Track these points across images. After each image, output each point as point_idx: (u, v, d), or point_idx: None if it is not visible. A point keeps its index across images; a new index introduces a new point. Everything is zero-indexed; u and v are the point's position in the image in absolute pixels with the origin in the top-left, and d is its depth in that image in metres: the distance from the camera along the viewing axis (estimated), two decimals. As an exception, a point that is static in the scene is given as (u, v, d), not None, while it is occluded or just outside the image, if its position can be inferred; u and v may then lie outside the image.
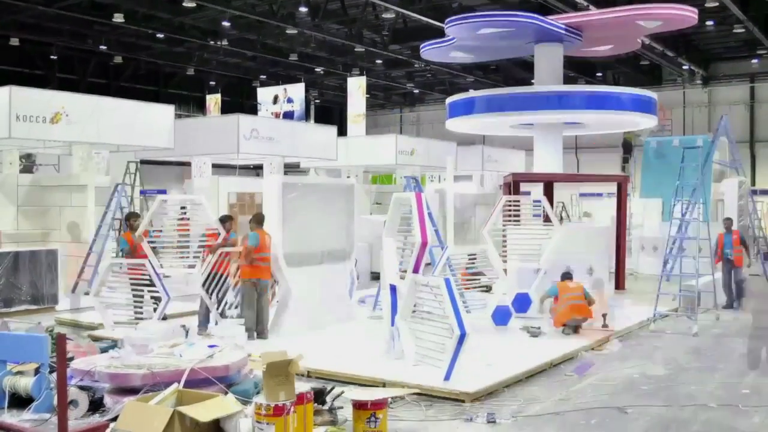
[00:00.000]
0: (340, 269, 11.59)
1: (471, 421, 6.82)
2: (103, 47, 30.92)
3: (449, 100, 16.63)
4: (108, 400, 6.99)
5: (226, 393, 6.72)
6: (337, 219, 11.60)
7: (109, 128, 15.53)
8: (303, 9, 25.13)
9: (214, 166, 20.42)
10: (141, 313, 11.02)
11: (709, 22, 26.02)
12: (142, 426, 5.98)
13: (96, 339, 10.30)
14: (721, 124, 16.09)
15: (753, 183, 34.51)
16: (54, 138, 14.93)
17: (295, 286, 10.66)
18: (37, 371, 7.16)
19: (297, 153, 19.97)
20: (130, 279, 11.10)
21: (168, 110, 16.99)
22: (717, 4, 22.14)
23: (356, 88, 31.94)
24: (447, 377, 7.72)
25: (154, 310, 10.87)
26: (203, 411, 5.98)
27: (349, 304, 11.84)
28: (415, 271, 8.60)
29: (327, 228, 11.35)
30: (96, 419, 6.77)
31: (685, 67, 33.38)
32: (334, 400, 6.88)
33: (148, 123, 16.37)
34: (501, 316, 11.03)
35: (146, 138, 16.42)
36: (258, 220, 10.61)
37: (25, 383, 7.09)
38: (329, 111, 44.23)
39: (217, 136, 18.16)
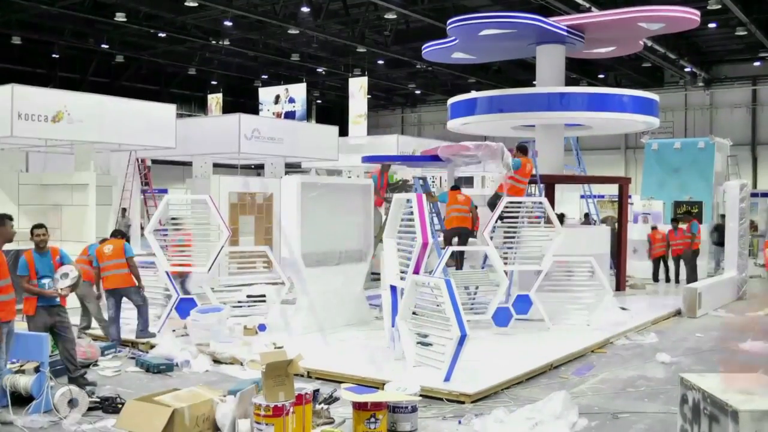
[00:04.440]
0: (357, 270, 11.61)
1: (474, 420, 6.81)
2: (105, 46, 30.94)
3: (451, 100, 16.59)
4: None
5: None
6: (354, 219, 11.63)
7: (111, 127, 15.55)
8: (305, 9, 25.15)
9: (216, 165, 20.43)
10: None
11: (712, 24, 26.00)
12: (142, 425, 5.99)
13: (96, 338, 10.31)
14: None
15: (755, 185, 34.46)
16: (56, 137, 14.96)
17: (312, 286, 10.68)
18: (37, 370, 7.17)
19: (298, 153, 19.96)
20: None
21: (170, 109, 17.04)
22: (719, 6, 22.12)
23: (358, 88, 31.93)
24: (447, 378, 7.72)
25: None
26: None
27: (364, 305, 11.90)
28: (416, 272, 8.60)
29: (344, 228, 11.38)
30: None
31: (687, 69, 33.35)
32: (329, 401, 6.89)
33: (149, 122, 16.38)
34: (502, 318, 11.04)
35: (148, 137, 16.45)
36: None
37: (25, 382, 7.10)
38: (331, 111, 44.22)
39: (219, 136, 18.24)
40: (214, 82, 39.17)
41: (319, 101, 44.00)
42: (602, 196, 26.19)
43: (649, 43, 25.35)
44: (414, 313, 8.56)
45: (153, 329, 10.40)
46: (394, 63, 33.30)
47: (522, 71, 32.12)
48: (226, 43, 29.69)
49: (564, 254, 11.61)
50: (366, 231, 11.85)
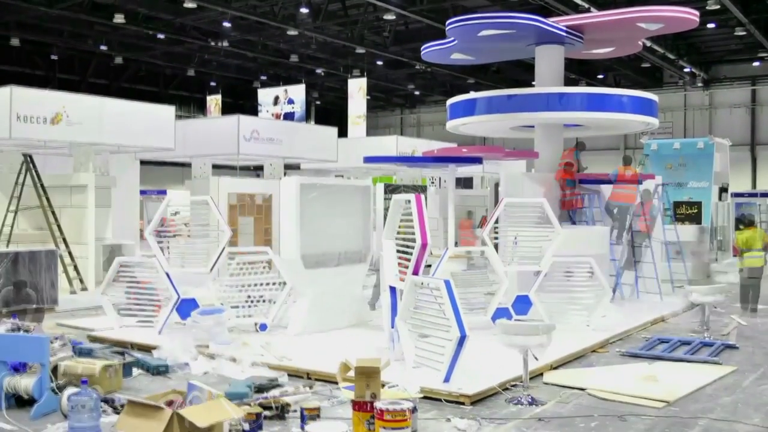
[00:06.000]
0: (356, 271, 11.61)
1: (479, 423, 6.81)
2: (103, 48, 30.95)
3: (450, 101, 16.57)
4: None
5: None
6: (354, 220, 11.63)
7: (110, 129, 15.59)
8: (304, 10, 25.16)
9: (215, 167, 20.45)
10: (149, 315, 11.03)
11: (711, 25, 26.03)
12: (141, 428, 5.97)
13: (94, 340, 10.30)
14: None
15: (754, 186, 34.49)
16: (54, 138, 14.96)
17: (310, 287, 10.69)
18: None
19: (297, 154, 19.99)
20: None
21: (169, 111, 17.08)
22: (718, 6, 22.14)
23: (357, 89, 31.96)
24: (447, 379, 7.70)
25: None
26: (203, 415, 5.96)
27: (364, 306, 11.95)
28: (415, 272, 8.59)
29: (344, 230, 11.38)
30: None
31: (686, 70, 33.38)
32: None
33: (149, 123, 16.44)
34: (501, 318, 11.01)
35: (147, 138, 16.48)
36: None
37: (26, 384, 7.07)
38: (330, 112, 44.23)
39: (218, 137, 18.28)
40: (213, 84, 39.19)
41: (318, 102, 44.02)
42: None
43: (649, 44, 25.38)
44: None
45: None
46: (393, 64, 33.31)
47: (521, 72, 32.14)
48: (225, 44, 29.70)
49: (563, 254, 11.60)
50: (365, 232, 11.84)
